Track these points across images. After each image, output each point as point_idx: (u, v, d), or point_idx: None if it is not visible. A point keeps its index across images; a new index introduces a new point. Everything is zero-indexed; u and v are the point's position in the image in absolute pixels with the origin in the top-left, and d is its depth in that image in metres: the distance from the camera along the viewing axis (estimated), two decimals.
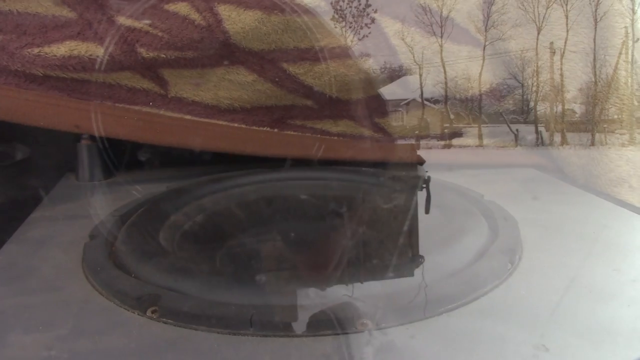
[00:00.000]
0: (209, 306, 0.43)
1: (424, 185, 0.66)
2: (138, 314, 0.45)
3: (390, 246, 0.72)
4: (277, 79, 0.80)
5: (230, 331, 0.42)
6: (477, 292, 0.47)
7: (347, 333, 0.42)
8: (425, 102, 0.97)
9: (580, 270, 0.52)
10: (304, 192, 0.80)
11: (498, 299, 0.47)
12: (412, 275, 0.48)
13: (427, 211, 0.65)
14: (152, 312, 0.45)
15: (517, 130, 0.96)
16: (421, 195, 0.70)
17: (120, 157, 0.87)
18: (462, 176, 0.83)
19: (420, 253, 0.52)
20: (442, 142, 0.97)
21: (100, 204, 0.72)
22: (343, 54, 0.82)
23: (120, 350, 0.40)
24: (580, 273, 0.51)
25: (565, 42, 0.88)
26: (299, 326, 0.42)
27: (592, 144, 0.88)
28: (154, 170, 0.87)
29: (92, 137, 0.82)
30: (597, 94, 0.89)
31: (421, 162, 0.85)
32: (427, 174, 0.72)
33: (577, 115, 0.91)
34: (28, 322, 0.44)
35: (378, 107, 0.88)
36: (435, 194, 0.69)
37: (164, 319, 0.44)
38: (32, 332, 0.42)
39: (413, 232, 0.60)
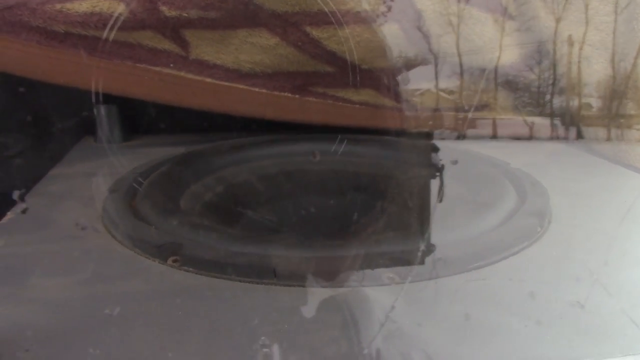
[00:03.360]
0: (232, 255, 0.42)
1: (438, 174, 0.65)
2: (159, 262, 0.44)
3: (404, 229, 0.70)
4: (299, 43, 0.78)
5: (253, 280, 0.41)
6: (507, 252, 0.45)
7: (373, 286, 0.41)
8: (440, 93, 0.95)
9: (613, 235, 0.50)
10: (324, 166, 0.78)
11: (528, 259, 0.45)
12: (423, 264, 0.45)
13: (439, 200, 0.63)
14: (174, 260, 0.44)
15: (532, 122, 0.94)
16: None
17: (139, 119, 0.86)
18: (484, 148, 0.81)
19: (447, 215, 0.50)
20: (456, 133, 0.94)
21: (119, 163, 0.71)
22: (368, 18, 0.80)
23: (141, 294, 0.39)
24: (612, 238, 0.50)
25: (584, 35, 0.86)
26: (323, 277, 0.40)
27: (609, 138, 0.86)
28: (173, 134, 0.86)
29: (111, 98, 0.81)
30: (615, 88, 0.86)
31: (436, 149, 0.83)
32: (442, 162, 0.70)
33: (593, 109, 0.89)
34: (49, 267, 0.43)
35: None
36: (459, 161, 0.68)
37: (185, 267, 0.43)
38: (52, 276, 0.42)
39: (427, 218, 0.58)
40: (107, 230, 0.50)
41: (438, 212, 0.54)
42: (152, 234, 0.47)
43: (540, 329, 0.35)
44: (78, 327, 0.35)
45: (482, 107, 0.90)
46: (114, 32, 0.72)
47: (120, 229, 0.49)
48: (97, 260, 0.44)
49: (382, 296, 0.39)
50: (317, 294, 0.40)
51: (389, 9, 0.82)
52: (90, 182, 0.64)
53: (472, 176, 0.63)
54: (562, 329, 0.35)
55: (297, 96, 0.84)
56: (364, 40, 0.79)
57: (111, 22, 0.70)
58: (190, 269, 0.43)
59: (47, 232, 0.50)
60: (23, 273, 0.42)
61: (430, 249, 0.44)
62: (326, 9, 0.77)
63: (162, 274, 0.42)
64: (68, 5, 0.71)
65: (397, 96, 0.88)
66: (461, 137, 0.90)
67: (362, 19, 0.79)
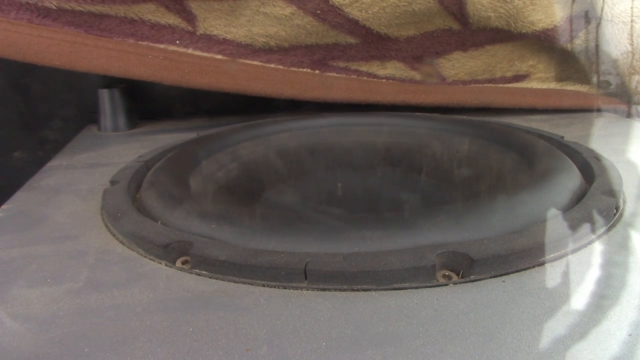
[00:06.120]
0: (253, 254, 0.35)
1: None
2: (166, 265, 0.37)
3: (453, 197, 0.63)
4: (318, 12, 0.70)
5: (279, 284, 0.33)
6: (585, 239, 0.37)
7: (425, 287, 0.33)
8: None
9: None
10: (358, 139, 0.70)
11: (610, 244, 0.37)
12: (486, 257, 0.37)
13: None
14: (183, 262, 0.37)
15: (578, 93, 0.85)
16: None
17: (145, 103, 0.79)
18: (529, 121, 0.72)
19: (509, 198, 0.42)
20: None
21: (124, 152, 0.64)
22: None
23: (144, 306, 0.32)
24: None
25: (602, 11, 0.78)
26: (366, 278, 0.33)
27: (629, 115, 0.79)
28: (183, 119, 0.79)
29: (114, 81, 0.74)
30: (634, 65, 0.78)
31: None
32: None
33: (612, 86, 0.82)
34: (34, 275, 0.36)
35: (432, 46, 0.78)
36: (508, 136, 0.60)
37: (197, 270, 0.35)
38: (37, 285, 0.35)
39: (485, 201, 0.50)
40: (106, 227, 0.43)
41: (494, 193, 0.46)
42: (158, 231, 0.39)
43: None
44: (66, 350, 0.28)
45: (522, 77, 0.81)
46: (111, 7, 0.64)
47: (121, 225, 0.42)
48: (93, 265, 0.37)
49: (439, 299, 0.32)
50: (358, 299, 0.32)
51: None
52: (91, 174, 0.57)
53: (526, 154, 0.54)
54: None
55: (316, 72, 0.76)
56: (390, 5, 0.71)
57: None
58: (203, 272, 0.35)
59: (35, 231, 0.43)
60: (3, 283, 0.35)
61: (494, 238, 0.36)
62: None
63: (170, 279, 0.35)
64: None
65: (427, 68, 0.80)
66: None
67: None
